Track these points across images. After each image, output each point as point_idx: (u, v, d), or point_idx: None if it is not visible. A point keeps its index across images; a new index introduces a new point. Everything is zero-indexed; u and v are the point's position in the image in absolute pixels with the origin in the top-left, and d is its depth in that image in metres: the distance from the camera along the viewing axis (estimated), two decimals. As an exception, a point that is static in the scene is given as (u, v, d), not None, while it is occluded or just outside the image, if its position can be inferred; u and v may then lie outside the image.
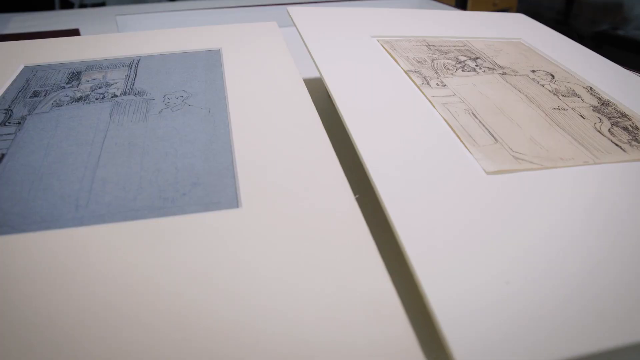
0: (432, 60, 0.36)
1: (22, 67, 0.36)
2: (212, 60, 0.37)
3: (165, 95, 0.32)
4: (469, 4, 1.37)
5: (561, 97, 0.33)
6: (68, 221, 0.22)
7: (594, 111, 0.32)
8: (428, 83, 0.33)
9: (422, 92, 0.31)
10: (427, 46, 0.39)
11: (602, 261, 0.20)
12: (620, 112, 0.32)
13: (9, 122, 0.29)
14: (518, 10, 1.84)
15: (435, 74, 0.34)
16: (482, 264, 0.19)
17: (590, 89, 0.35)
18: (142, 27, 0.65)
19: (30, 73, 0.35)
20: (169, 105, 0.31)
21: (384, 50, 0.37)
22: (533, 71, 0.37)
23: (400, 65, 0.35)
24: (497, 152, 0.26)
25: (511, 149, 0.27)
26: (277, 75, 0.34)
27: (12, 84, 0.34)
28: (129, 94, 0.32)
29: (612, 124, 0.31)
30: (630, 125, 0.31)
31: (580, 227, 0.22)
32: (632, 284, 0.19)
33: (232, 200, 0.23)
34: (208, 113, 0.30)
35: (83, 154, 0.26)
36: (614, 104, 0.33)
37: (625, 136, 0.30)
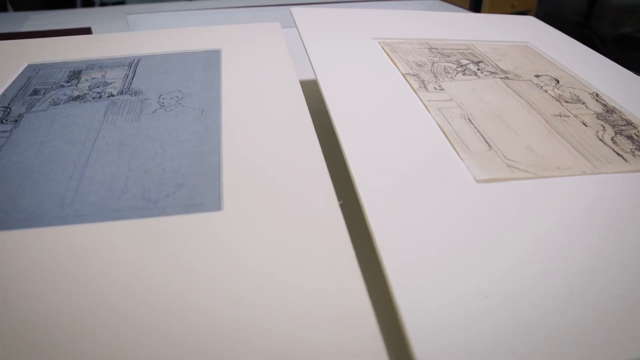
0: (433, 63, 0.36)
1: (25, 65, 0.37)
2: (211, 60, 0.37)
3: (160, 96, 0.32)
4: (486, 5, 1.34)
5: (564, 104, 0.32)
6: (52, 220, 0.22)
7: (598, 118, 0.31)
8: (425, 87, 0.32)
9: (418, 96, 0.31)
10: (429, 49, 0.38)
11: (592, 276, 0.19)
12: (626, 120, 0.31)
13: (6, 120, 0.30)
14: (538, 13, 1.81)
15: (434, 78, 0.33)
16: (461, 276, 0.18)
17: (596, 95, 0.34)
18: (152, 26, 0.66)
19: (32, 71, 0.36)
20: (163, 106, 0.31)
21: (384, 52, 0.36)
22: (537, 76, 0.36)
23: (398, 68, 0.34)
24: (490, 159, 0.26)
25: (505, 157, 0.26)
26: (273, 76, 0.34)
27: (14, 82, 0.34)
28: (125, 93, 0.33)
29: (615, 132, 0.30)
30: (635, 133, 0.30)
31: (571, 240, 0.21)
32: (625, 297, 0.19)
33: (214, 203, 0.23)
34: (201, 114, 0.30)
35: (74, 153, 0.27)
36: (620, 112, 0.32)
37: (628, 145, 0.28)
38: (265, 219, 0.22)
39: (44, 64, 0.37)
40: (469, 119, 0.29)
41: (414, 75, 0.33)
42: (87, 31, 0.65)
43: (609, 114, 0.32)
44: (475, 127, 0.28)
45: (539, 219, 0.22)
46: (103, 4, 1.58)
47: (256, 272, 0.19)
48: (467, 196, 0.23)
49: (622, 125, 0.30)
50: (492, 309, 0.17)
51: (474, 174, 0.24)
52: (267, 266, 0.20)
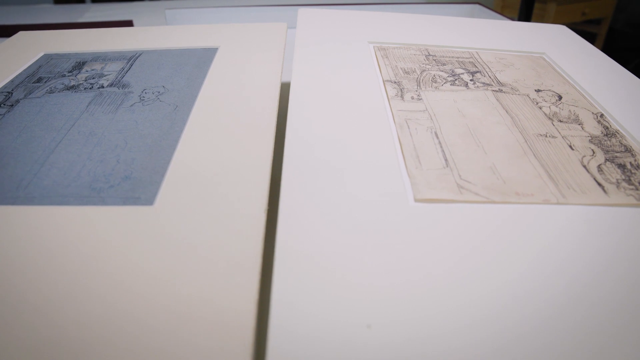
0: (422, 71, 0.34)
1: (41, 54, 0.40)
2: (205, 58, 0.38)
3: (144, 90, 0.33)
4: (552, 13, 1.25)
5: (556, 123, 0.29)
6: (4, 200, 0.24)
7: (591, 142, 0.28)
8: (402, 95, 0.30)
9: (389, 105, 0.29)
10: (425, 56, 0.36)
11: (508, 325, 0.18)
12: (625, 145, 0.28)
13: (4, 104, 0.32)
14: (617, 21, 1.65)
15: (416, 86, 0.32)
16: (348, 301, 0.18)
17: (601, 116, 0.31)
18: (189, 20, 0.69)
19: (45, 60, 0.39)
20: (143, 100, 0.32)
21: (374, 57, 0.35)
22: (538, 90, 0.33)
23: (381, 74, 0.33)
24: (441, 177, 0.24)
25: (460, 176, 0.24)
26: (257, 77, 0.34)
27: (26, 69, 0.37)
28: (114, 86, 0.34)
29: (606, 159, 0.26)
30: (630, 162, 0.26)
31: (494, 286, 0.19)
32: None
33: (151, 198, 0.24)
34: (174, 110, 0.31)
35: (47, 139, 0.29)
36: (622, 136, 0.29)
37: (616, 175, 0.25)
38: (189, 219, 0.22)
39: (57, 54, 0.40)
40: (435, 132, 0.27)
41: (394, 82, 0.32)
42: (129, 23, 0.69)
43: (607, 137, 0.28)
44: (439, 141, 0.27)
45: (470, 250, 0.20)
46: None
47: (157, 269, 0.20)
48: (396, 215, 0.21)
49: (617, 152, 0.27)
50: (373, 340, 0.16)
51: (415, 192, 0.23)
52: (170, 264, 0.20)
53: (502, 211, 0.22)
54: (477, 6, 0.69)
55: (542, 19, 1.26)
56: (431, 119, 0.28)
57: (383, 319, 0.17)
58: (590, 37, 1.55)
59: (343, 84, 0.31)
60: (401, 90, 0.31)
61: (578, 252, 0.21)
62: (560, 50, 0.40)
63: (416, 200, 0.22)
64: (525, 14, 0.77)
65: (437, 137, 0.27)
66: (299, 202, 0.22)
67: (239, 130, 0.28)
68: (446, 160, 0.25)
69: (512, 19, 0.66)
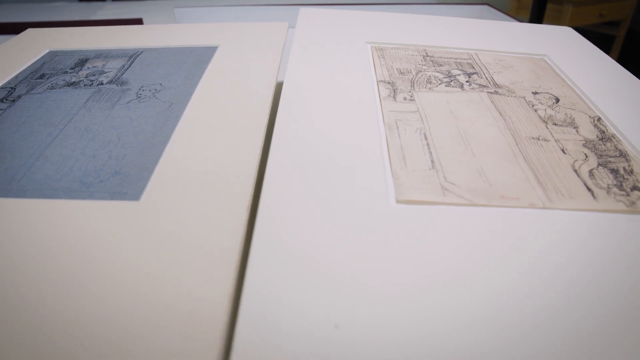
0: (418, 72, 0.34)
1: (47, 51, 0.41)
2: (204, 56, 0.38)
3: (141, 87, 0.34)
4: (567, 14, 1.23)
5: (550, 126, 0.29)
6: (-2, 192, 0.25)
7: (584, 146, 0.27)
8: (394, 96, 0.30)
9: (381, 105, 0.29)
10: (423, 56, 0.36)
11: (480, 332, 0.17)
12: (620, 150, 0.27)
13: (6, 100, 0.33)
14: (634, 23, 1.61)
15: (410, 87, 0.32)
16: (321, 298, 0.18)
17: (598, 119, 0.30)
18: (197, 19, 0.69)
19: (50, 57, 0.40)
20: (139, 97, 0.33)
21: (371, 57, 0.35)
22: (535, 93, 0.32)
23: (376, 75, 0.33)
24: (425, 179, 0.24)
25: (445, 178, 0.24)
26: (253, 76, 0.34)
27: (30, 65, 0.38)
28: (113, 83, 0.35)
29: (599, 164, 0.26)
30: (624, 167, 0.26)
31: (477, 282, 0.19)
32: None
33: (137, 193, 0.24)
34: (168, 107, 0.31)
35: (44, 134, 0.29)
36: (618, 140, 0.28)
37: (607, 180, 0.25)
38: (173, 215, 0.22)
39: (62, 51, 0.41)
40: (424, 133, 0.27)
41: (388, 83, 0.32)
42: (139, 21, 0.70)
43: (602, 142, 0.28)
44: (427, 142, 0.26)
45: (448, 252, 0.20)
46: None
47: (139, 262, 0.20)
48: (376, 215, 0.21)
49: (611, 157, 0.27)
50: (342, 338, 0.16)
51: (397, 193, 0.23)
52: (151, 258, 0.20)
53: (485, 214, 0.22)
54: (487, 7, 0.69)
55: (557, 21, 1.24)
56: (422, 120, 0.28)
57: (354, 317, 0.17)
58: (608, 40, 1.51)
59: (336, 83, 0.31)
60: (394, 91, 0.31)
61: (563, 257, 0.20)
62: (563, 52, 0.39)
63: (398, 201, 0.22)
64: (537, 16, 0.76)
65: (426, 139, 0.27)
66: (279, 198, 0.22)
67: (230, 128, 0.29)
68: (432, 161, 0.25)
69: (522, 21, 0.65)
